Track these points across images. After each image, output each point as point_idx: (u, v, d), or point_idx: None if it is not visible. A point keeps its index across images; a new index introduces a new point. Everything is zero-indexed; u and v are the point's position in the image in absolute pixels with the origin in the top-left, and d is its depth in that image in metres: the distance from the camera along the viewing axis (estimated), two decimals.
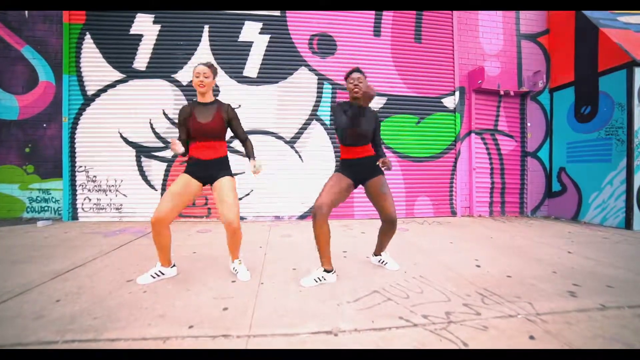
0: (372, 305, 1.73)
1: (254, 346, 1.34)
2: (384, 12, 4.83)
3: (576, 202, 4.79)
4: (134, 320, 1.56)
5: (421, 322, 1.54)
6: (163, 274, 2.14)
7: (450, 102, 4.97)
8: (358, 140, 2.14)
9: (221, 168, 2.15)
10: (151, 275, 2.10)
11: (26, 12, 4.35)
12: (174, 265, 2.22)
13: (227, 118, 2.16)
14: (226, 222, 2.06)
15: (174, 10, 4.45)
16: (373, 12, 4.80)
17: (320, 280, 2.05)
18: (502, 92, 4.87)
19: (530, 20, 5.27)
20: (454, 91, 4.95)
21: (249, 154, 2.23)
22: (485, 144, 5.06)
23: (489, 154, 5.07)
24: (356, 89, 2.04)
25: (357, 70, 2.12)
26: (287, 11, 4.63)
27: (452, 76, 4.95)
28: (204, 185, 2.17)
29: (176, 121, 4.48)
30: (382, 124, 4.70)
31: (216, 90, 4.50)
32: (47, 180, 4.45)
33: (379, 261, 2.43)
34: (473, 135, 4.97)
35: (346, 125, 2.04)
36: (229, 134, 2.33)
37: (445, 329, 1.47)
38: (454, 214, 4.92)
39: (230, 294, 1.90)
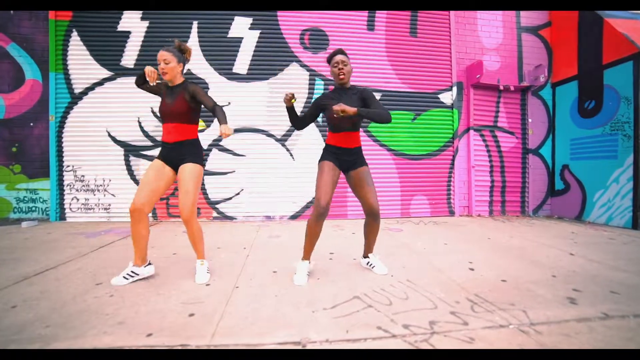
0: (350, 313, 1.58)
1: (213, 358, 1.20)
2: None
3: (580, 201, 4.60)
4: (89, 328, 1.43)
5: (401, 332, 1.39)
6: (137, 274, 2.01)
7: (447, 97, 4.80)
8: (342, 126, 2.04)
9: (187, 153, 2.02)
10: (124, 277, 1.98)
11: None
12: (149, 264, 2.09)
13: (190, 95, 1.99)
14: (180, 210, 1.98)
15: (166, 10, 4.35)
16: None
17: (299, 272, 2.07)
18: (501, 87, 4.69)
19: (531, 12, 5.08)
20: (452, 86, 4.78)
21: (220, 119, 1.95)
22: (484, 141, 4.88)
23: (488, 151, 4.89)
24: (341, 75, 1.99)
25: (340, 51, 2.02)
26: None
27: (450, 71, 4.78)
28: (175, 170, 2.06)
29: None
30: None
31: (205, 88, 4.38)
32: (34, 180, 4.37)
33: (367, 264, 2.28)
34: (472, 131, 4.79)
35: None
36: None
37: (426, 341, 1.32)
38: (452, 213, 4.74)
39: (201, 298, 1.77)
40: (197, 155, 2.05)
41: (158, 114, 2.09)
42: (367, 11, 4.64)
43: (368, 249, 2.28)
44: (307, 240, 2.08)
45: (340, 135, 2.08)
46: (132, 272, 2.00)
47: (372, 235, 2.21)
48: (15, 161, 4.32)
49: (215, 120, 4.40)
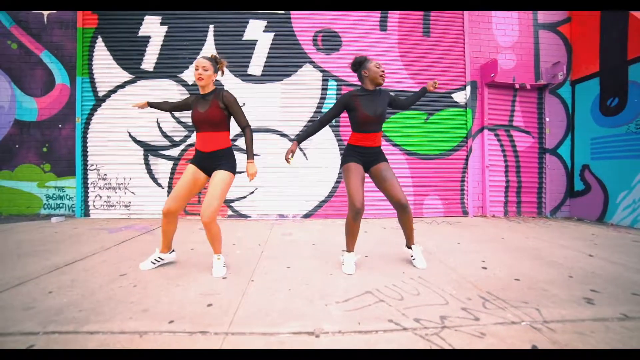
0: (362, 307, 1.62)
1: (229, 344, 1.27)
2: None
3: (602, 202, 4.44)
4: (116, 314, 1.54)
5: (412, 326, 1.42)
6: (162, 259, 2.25)
7: (461, 97, 4.74)
8: (371, 126, 2.16)
9: (221, 161, 2.11)
10: (151, 262, 2.21)
11: (45, 18, 4.55)
12: (173, 251, 2.33)
13: (224, 104, 2.10)
14: (202, 211, 2.02)
15: (178, 11, 4.52)
16: None
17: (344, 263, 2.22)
18: (517, 86, 4.59)
19: None
20: (465, 86, 4.72)
21: (247, 148, 2.15)
22: (499, 140, 4.80)
23: (503, 151, 4.80)
24: (383, 75, 2.15)
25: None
26: None
27: (463, 70, 4.72)
28: (209, 176, 2.17)
29: (182, 121, 4.55)
30: (388, 120, 4.59)
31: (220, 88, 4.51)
32: (62, 178, 4.62)
33: (410, 255, 2.37)
34: (486, 131, 4.72)
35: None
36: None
37: (437, 335, 1.35)
38: (465, 213, 4.68)
39: (219, 290, 1.86)
40: (232, 164, 2.14)
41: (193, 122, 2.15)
42: (380, 12, 4.66)
43: (409, 240, 2.35)
44: (348, 237, 2.22)
45: (365, 135, 2.17)
46: (159, 257, 2.23)
47: (407, 227, 2.28)
48: (45, 160, 4.58)
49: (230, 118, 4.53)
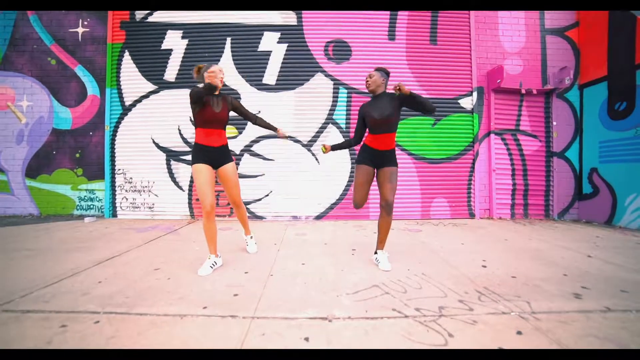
0: (369, 298, 1.84)
1: (256, 326, 1.51)
2: (399, 16, 4.88)
3: (610, 205, 4.49)
4: (157, 300, 1.81)
5: (413, 314, 1.63)
6: (217, 263, 2.40)
7: (467, 102, 4.88)
8: (380, 128, 2.37)
9: (226, 154, 2.48)
10: (210, 266, 2.33)
11: (79, 36, 4.97)
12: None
13: (232, 107, 2.51)
14: (231, 200, 2.53)
15: (189, 16, 4.85)
16: (387, 16, 4.87)
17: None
18: (523, 91, 4.70)
19: (557, 14, 5.04)
20: (472, 92, 4.86)
21: (269, 125, 2.63)
22: (506, 144, 4.91)
23: (510, 154, 4.91)
24: (366, 84, 2.47)
25: (376, 69, 2.48)
26: (303, 20, 4.85)
27: (470, 76, 4.86)
28: (214, 169, 2.45)
29: None
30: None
31: (237, 97, 4.82)
32: (92, 181, 5.01)
33: (375, 259, 2.48)
34: (492, 135, 4.84)
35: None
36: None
37: (434, 322, 1.55)
38: (472, 216, 4.81)
39: (242, 283, 2.10)
40: (231, 156, 2.55)
41: (195, 119, 2.36)
42: (388, 22, 4.86)
43: (380, 244, 2.50)
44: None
45: (375, 137, 2.40)
46: (214, 262, 2.39)
47: (383, 230, 2.44)
48: (78, 165, 4.99)
49: (247, 127, 4.82)
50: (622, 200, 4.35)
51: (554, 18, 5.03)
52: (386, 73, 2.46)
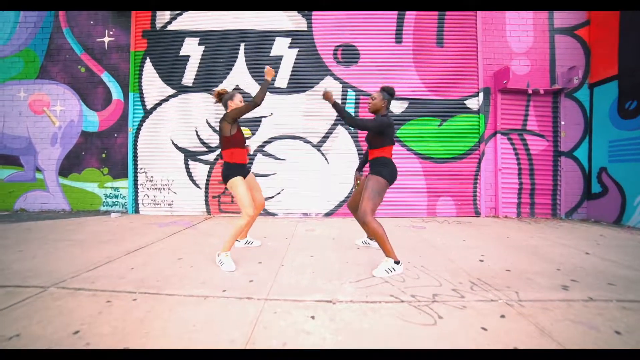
0: (370, 285, 2.04)
1: (269, 306, 1.74)
2: (405, 19, 5.01)
3: (619, 205, 4.49)
4: (184, 284, 2.06)
5: (408, 299, 1.82)
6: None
7: (473, 103, 4.97)
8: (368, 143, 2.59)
9: (248, 167, 2.80)
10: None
11: (106, 45, 5.36)
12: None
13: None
14: (262, 203, 2.84)
15: (197, 17, 5.13)
16: (394, 20, 5.01)
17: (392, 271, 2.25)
18: (530, 91, 4.74)
19: (567, 13, 5.04)
20: (478, 92, 4.94)
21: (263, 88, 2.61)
22: (512, 144, 4.97)
23: (516, 154, 4.96)
24: (368, 106, 2.60)
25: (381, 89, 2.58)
26: (313, 25, 5.05)
27: (476, 77, 4.95)
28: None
29: (217, 129, 5.15)
30: (403, 126, 4.93)
31: (251, 100, 5.06)
32: (117, 180, 5.39)
33: (362, 241, 3.12)
34: (499, 135, 4.91)
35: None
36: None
37: (427, 306, 1.74)
38: (477, 214, 4.90)
39: (256, 272, 2.34)
40: None
41: (232, 141, 2.61)
42: (395, 25, 5.00)
43: (368, 234, 2.94)
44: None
45: (368, 151, 2.59)
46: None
47: (364, 226, 2.47)
48: (104, 165, 5.39)
49: (259, 128, 5.07)
50: (631, 199, 4.35)
51: (564, 17, 5.04)
52: (389, 94, 2.48)
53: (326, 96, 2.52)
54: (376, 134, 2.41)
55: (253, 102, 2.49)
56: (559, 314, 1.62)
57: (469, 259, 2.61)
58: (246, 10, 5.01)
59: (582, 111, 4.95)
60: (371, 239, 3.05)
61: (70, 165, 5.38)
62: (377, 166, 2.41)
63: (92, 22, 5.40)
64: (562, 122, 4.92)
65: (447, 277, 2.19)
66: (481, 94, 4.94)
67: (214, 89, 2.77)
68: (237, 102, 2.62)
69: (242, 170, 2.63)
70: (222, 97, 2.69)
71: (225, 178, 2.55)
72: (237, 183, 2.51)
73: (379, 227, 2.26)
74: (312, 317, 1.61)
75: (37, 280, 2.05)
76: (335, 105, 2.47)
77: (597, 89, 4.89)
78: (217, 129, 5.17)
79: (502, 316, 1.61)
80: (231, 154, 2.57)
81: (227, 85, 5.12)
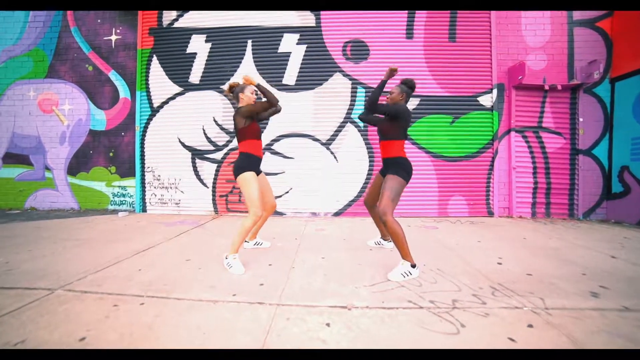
0: (386, 290, 1.95)
1: (282, 312, 1.66)
2: (417, 14, 4.87)
3: None
4: (192, 287, 2.00)
5: (427, 305, 1.72)
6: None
7: (487, 100, 4.81)
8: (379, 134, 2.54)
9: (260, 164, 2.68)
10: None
11: (113, 43, 5.34)
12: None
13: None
14: (273, 205, 2.75)
15: (206, 17, 5.06)
16: (405, 15, 4.87)
17: (407, 275, 2.16)
18: (547, 87, 4.57)
19: None
20: (492, 89, 4.78)
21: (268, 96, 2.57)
22: (527, 142, 4.80)
23: (531, 152, 4.79)
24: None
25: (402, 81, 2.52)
26: (321, 21, 4.95)
27: (489, 73, 4.78)
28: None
29: (225, 127, 5.10)
30: (414, 124, 4.81)
31: (258, 98, 4.99)
32: (124, 179, 5.39)
33: (375, 242, 3.06)
34: (513, 133, 4.74)
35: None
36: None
37: (448, 313, 1.64)
38: (490, 214, 4.76)
39: (267, 274, 2.27)
40: None
41: (246, 132, 2.53)
42: (406, 20, 4.87)
43: (383, 234, 2.95)
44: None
45: (380, 143, 2.53)
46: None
47: (380, 225, 2.86)
48: (111, 164, 5.38)
49: (267, 126, 5.00)
50: None
51: None
52: (409, 86, 2.44)
53: (391, 73, 2.28)
54: (392, 118, 2.37)
55: (269, 103, 2.51)
56: (592, 325, 1.51)
57: (486, 262, 2.50)
58: (248, 10, 4.93)
59: (602, 107, 4.75)
60: (385, 240, 2.96)
61: (78, 164, 5.39)
62: (396, 167, 2.34)
63: (99, 21, 5.38)
64: (581, 119, 4.73)
65: (465, 281, 2.08)
66: (495, 91, 4.78)
67: (226, 84, 2.68)
68: (248, 94, 2.55)
69: (256, 164, 2.55)
70: (233, 90, 2.62)
71: (238, 169, 2.43)
72: (248, 178, 2.42)
73: (399, 228, 2.18)
74: (328, 325, 1.53)
75: (44, 282, 2.01)
76: (379, 86, 2.29)
77: (619, 84, 4.68)
78: (224, 127, 5.12)
79: (530, 325, 1.50)
80: (246, 145, 2.51)
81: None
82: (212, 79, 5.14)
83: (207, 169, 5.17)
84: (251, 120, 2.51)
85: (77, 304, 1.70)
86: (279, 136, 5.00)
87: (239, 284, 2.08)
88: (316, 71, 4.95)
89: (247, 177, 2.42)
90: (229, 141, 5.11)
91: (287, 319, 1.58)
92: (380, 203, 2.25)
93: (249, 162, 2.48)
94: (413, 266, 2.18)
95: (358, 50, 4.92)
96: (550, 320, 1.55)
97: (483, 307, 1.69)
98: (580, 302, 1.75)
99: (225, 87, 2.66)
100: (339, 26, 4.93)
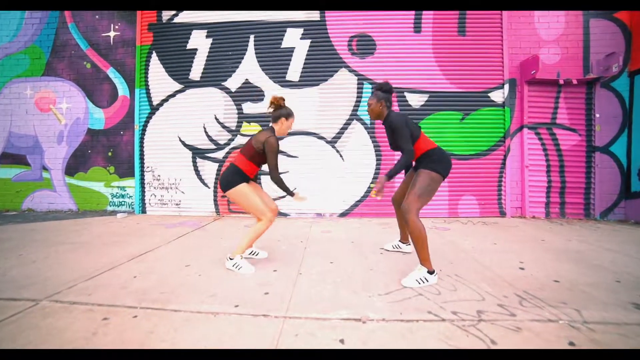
0: (402, 299, 1.78)
1: (289, 326, 1.50)
2: None
3: None
4: (191, 297, 1.84)
5: (450, 317, 1.55)
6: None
7: (498, 96, 4.62)
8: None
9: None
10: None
11: (111, 40, 5.20)
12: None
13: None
14: (274, 209, 2.50)
15: (210, 16, 4.90)
16: None
17: (423, 282, 2.00)
18: (561, 82, 4.37)
19: None
20: (503, 84, 4.59)
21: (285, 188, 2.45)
22: (540, 139, 4.60)
23: (545, 150, 4.60)
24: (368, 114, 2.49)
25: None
26: (326, 15, 4.78)
27: (501, 68, 4.59)
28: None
29: (226, 125, 4.94)
30: (423, 121, 4.62)
31: (261, 94, 4.85)
32: (123, 179, 5.24)
33: (394, 246, 2.83)
34: (525, 130, 4.55)
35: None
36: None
37: (474, 326, 1.47)
38: (502, 214, 4.57)
39: (272, 282, 2.10)
40: None
41: (254, 159, 2.40)
42: (414, 14, 4.69)
43: (403, 237, 2.76)
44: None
45: None
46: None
47: (403, 227, 2.69)
48: (110, 163, 5.24)
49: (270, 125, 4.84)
50: None
51: None
52: (384, 90, 2.28)
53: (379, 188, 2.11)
54: (396, 135, 2.16)
55: (278, 184, 2.39)
56: None
57: (506, 266, 2.33)
58: (249, 10, 4.77)
59: (620, 102, 4.55)
60: (404, 243, 2.75)
61: (76, 164, 5.25)
62: (427, 160, 2.14)
63: (97, 17, 5.24)
64: (597, 115, 4.53)
65: (487, 289, 1.91)
66: (506, 86, 4.59)
67: (270, 94, 2.51)
68: (289, 124, 2.42)
69: (246, 180, 2.40)
70: (277, 108, 2.40)
71: (228, 185, 2.31)
72: (242, 190, 2.30)
73: (422, 230, 1.99)
74: (341, 341, 1.36)
75: (30, 292, 1.85)
76: (390, 176, 2.10)
77: (639, 77, 4.47)
78: (226, 125, 4.96)
79: (571, 343, 1.33)
80: (245, 164, 2.35)
81: (235, 78, 4.89)
82: (213, 76, 4.99)
83: (209, 169, 5.02)
84: (262, 151, 2.34)
85: (62, 318, 1.54)
86: None
87: (242, 292, 1.91)
88: (321, 67, 4.78)
89: (241, 189, 2.30)
90: (231, 140, 4.95)
91: (296, 334, 1.42)
92: (406, 199, 2.06)
93: (241, 178, 2.35)
94: (431, 273, 2.01)
95: (364, 45, 4.74)
96: (594, 337, 1.37)
97: (513, 320, 1.52)
98: (622, 316, 1.57)
99: (271, 97, 2.39)
100: (344, 20, 4.76)
